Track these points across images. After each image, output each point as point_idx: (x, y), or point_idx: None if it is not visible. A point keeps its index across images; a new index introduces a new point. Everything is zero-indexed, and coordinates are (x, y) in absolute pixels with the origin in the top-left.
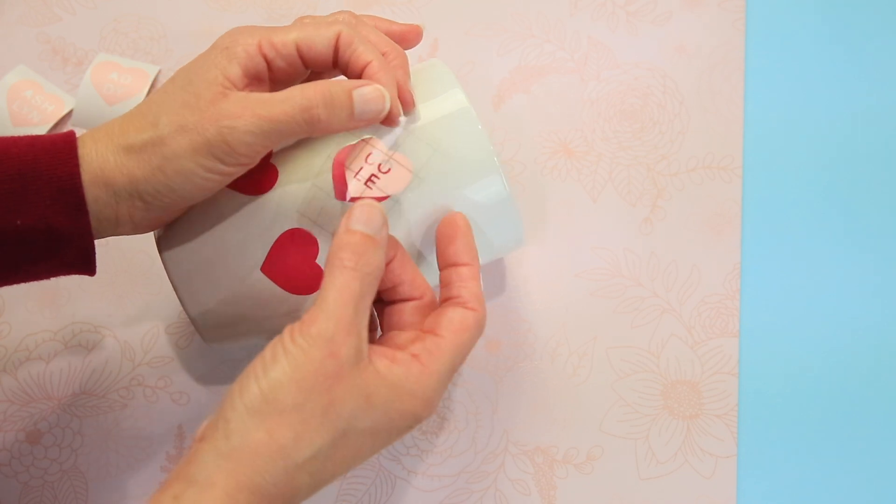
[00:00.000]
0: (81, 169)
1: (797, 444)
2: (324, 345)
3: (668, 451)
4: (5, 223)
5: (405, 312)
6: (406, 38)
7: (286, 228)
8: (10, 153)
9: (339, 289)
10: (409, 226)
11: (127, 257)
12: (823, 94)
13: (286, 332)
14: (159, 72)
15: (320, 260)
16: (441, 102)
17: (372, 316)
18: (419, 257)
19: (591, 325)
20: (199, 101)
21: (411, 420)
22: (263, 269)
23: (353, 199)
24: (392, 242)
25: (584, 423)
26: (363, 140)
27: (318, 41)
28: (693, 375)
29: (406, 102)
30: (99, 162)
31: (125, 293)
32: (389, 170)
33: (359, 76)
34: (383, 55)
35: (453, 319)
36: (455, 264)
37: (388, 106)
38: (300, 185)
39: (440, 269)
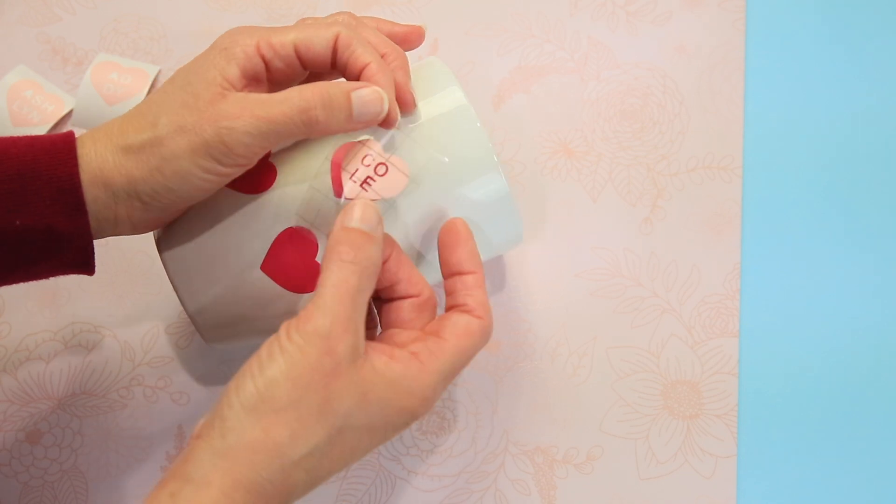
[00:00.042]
0: (80, 169)
1: (797, 444)
2: (320, 342)
3: (668, 451)
4: (5, 223)
5: (403, 309)
6: (408, 39)
7: (285, 227)
8: (9, 153)
9: (337, 284)
10: (405, 227)
11: (127, 257)
12: (823, 94)
13: (282, 329)
14: (159, 72)
15: (320, 257)
16: (439, 100)
17: (372, 313)
18: (417, 256)
19: (591, 325)
20: (197, 102)
21: (408, 417)
22: (263, 267)
23: (349, 200)
24: (388, 241)
25: (584, 423)
26: (360, 142)
27: (317, 42)
28: (693, 375)
29: (407, 103)
30: (98, 162)
31: (125, 293)
32: (386, 172)
33: (357, 78)
34: (383, 56)
35: (458, 324)
36: (459, 273)
37: (386, 108)
38: (299, 185)
39: (444, 278)
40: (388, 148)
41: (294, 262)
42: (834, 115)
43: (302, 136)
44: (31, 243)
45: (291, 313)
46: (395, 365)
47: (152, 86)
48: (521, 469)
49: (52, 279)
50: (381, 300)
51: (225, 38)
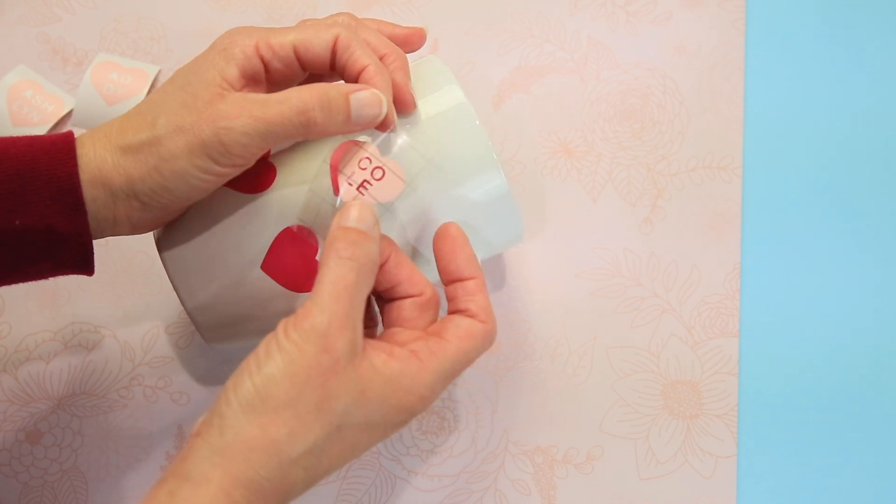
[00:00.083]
0: (80, 169)
1: (797, 444)
2: (318, 339)
3: (668, 451)
4: (4, 223)
5: (405, 308)
6: (409, 41)
7: (285, 226)
8: (9, 153)
9: (334, 281)
10: (403, 229)
11: (127, 257)
12: (823, 94)
13: (280, 326)
14: (159, 72)
15: (320, 256)
16: (438, 99)
17: (372, 311)
18: (418, 256)
19: (591, 325)
20: (196, 102)
21: (406, 415)
22: (263, 266)
23: None
24: (387, 242)
25: (584, 423)
26: (358, 144)
27: (316, 43)
28: (693, 375)
29: (406, 103)
30: (97, 162)
31: (125, 293)
32: (382, 177)
33: (355, 80)
34: (382, 57)
35: (460, 326)
36: (460, 279)
37: (384, 111)
38: (298, 186)
39: (444, 285)
40: (386, 151)
41: (294, 262)
42: (834, 115)
43: (300, 138)
44: (30, 243)
45: (291, 312)
46: (394, 362)
47: (152, 86)
48: (521, 469)
49: (52, 279)
50: (382, 300)
51: (224, 38)
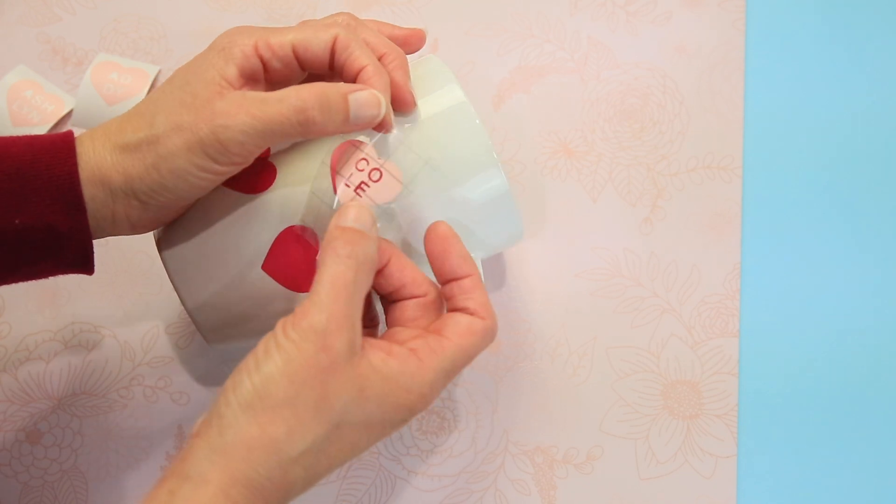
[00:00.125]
0: (79, 168)
1: (797, 444)
2: (316, 338)
3: (668, 451)
4: (4, 223)
5: (408, 308)
6: (408, 42)
7: (285, 226)
8: (8, 152)
9: (332, 280)
10: (402, 230)
11: (127, 257)
12: (823, 94)
13: (279, 326)
14: (159, 72)
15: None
16: (438, 98)
17: (372, 311)
18: (418, 256)
19: (591, 325)
20: (195, 101)
21: (405, 413)
22: (264, 266)
23: None
24: (387, 245)
25: (584, 423)
26: (356, 144)
27: (315, 43)
28: (693, 375)
29: (406, 103)
30: (96, 160)
31: (125, 293)
32: (380, 178)
33: (354, 80)
34: (381, 57)
35: (460, 323)
36: (455, 278)
37: (383, 111)
38: (298, 187)
39: (440, 285)
40: (384, 152)
41: (295, 261)
42: (834, 115)
43: (298, 137)
44: (30, 243)
45: (291, 312)
46: (393, 361)
47: (152, 86)
48: (521, 469)
49: (52, 279)
50: (386, 301)
51: (223, 38)
